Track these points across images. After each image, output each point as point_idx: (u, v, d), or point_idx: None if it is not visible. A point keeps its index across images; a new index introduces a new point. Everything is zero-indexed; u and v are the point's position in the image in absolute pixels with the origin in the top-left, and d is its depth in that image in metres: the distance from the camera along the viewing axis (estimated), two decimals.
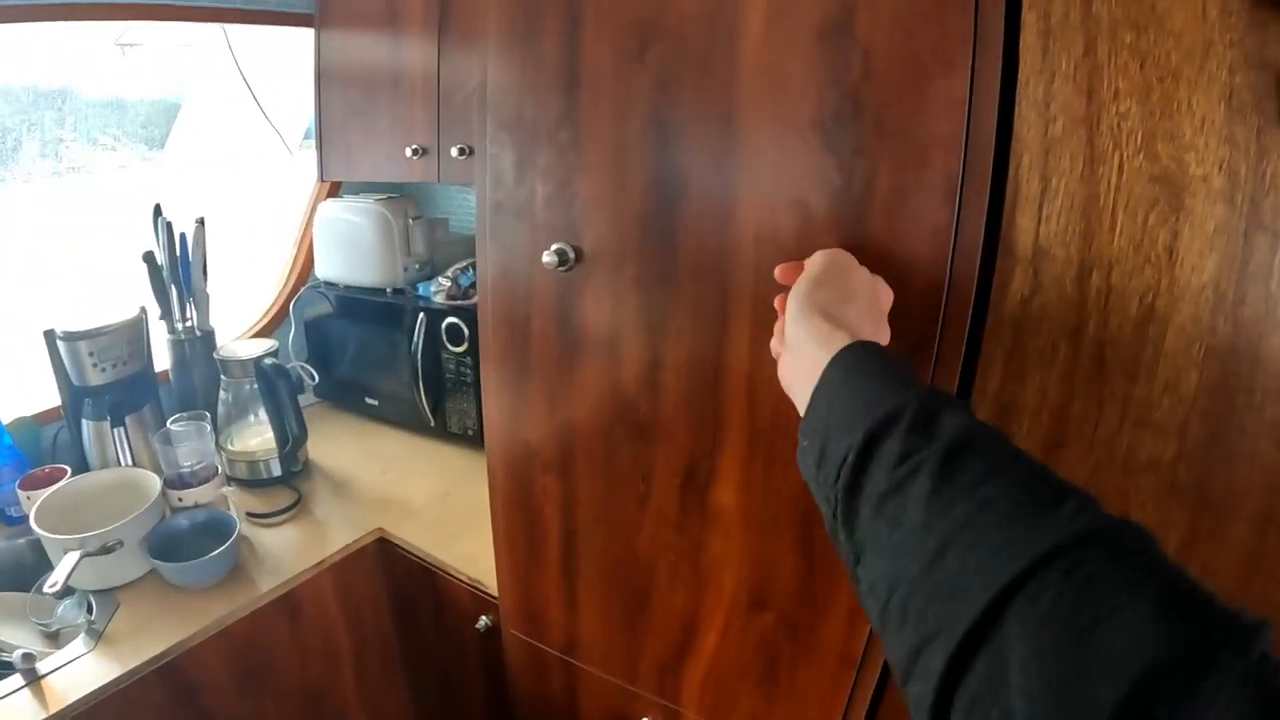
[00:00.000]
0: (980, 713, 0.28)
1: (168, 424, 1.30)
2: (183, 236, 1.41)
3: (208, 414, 1.34)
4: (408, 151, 1.42)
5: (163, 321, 1.45)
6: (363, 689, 1.37)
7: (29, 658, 0.94)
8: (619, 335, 0.82)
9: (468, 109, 1.33)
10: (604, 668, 1.01)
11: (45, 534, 1.05)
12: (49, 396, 1.34)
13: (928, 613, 0.33)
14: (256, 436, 1.47)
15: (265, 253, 1.89)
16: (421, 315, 1.50)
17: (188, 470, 1.24)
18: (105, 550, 1.06)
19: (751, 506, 0.78)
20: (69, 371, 1.28)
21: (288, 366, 1.43)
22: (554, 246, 0.80)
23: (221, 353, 1.42)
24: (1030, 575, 0.29)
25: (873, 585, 0.38)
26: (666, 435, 0.82)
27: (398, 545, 1.30)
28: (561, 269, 0.81)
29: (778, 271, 0.62)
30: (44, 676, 0.94)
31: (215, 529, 1.19)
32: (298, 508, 1.37)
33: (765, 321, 0.70)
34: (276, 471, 1.45)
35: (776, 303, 0.61)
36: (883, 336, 0.57)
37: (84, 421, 1.31)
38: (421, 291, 1.57)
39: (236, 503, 1.33)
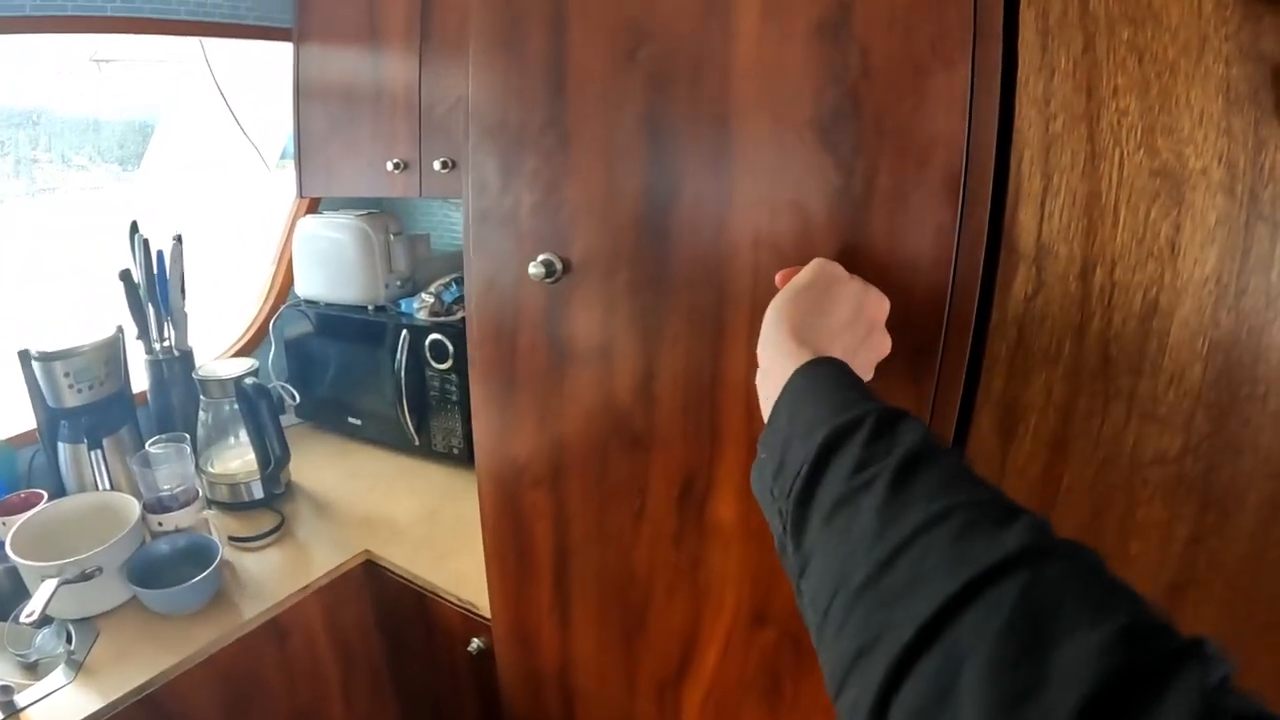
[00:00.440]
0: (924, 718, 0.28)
1: (146, 446, 1.27)
2: (160, 254, 1.38)
3: (187, 436, 1.31)
4: (389, 165, 1.41)
5: (140, 341, 1.41)
6: (352, 717, 1.34)
7: (7, 690, 0.91)
8: (612, 345, 0.80)
9: (450, 122, 1.33)
10: (601, 688, 0.98)
11: (21, 561, 1.02)
12: (24, 419, 1.30)
13: (871, 619, 0.33)
14: (237, 458, 1.43)
15: (244, 271, 1.86)
16: (404, 332, 1.48)
17: (167, 494, 1.21)
18: (84, 577, 1.03)
19: (751, 519, 0.76)
20: (44, 393, 1.25)
21: (268, 386, 1.40)
22: (540, 257, 0.79)
23: (200, 373, 1.39)
24: (987, 582, 0.29)
25: (815, 594, 0.38)
26: (662, 447, 0.80)
27: (385, 567, 1.27)
28: (549, 280, 0.80)
29: (778, 278, 0.62)
30: (23, 710, 0.91)
31: (197, 554, 1.16)
32: (281, 530, 1.34)
33: None
34: (258, 494, 1.41)
35: None
36: (875, 348, 0.57)
37: (60, 444, 1.27)
38: (404, 308, 1.55)
39: (218, 526, 1.30)
